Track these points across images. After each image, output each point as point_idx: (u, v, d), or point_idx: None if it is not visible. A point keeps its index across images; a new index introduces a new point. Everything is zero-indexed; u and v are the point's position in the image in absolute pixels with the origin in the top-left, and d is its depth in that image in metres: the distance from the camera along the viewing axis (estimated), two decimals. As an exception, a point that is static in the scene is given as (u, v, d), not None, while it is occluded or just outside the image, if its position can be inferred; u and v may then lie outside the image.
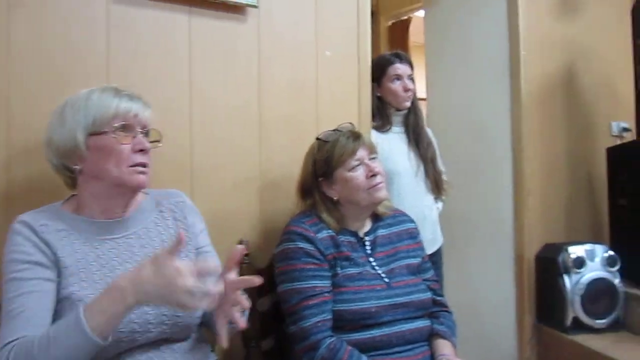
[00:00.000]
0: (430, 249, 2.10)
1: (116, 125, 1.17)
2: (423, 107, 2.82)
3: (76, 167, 1.19)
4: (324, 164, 1.53)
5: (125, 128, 1.18)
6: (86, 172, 1.20)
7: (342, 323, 1.42)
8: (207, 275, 1.02)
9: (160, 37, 1.60)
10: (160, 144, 1.30)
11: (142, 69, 1.56)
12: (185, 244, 1.01)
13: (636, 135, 2.58)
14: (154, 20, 1.59)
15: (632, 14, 2.56)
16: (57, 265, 1.13)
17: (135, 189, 1.24)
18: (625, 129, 2.89)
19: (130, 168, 1.18)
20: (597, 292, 2.33)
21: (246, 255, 1.68)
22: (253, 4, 1.72)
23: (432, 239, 2.17)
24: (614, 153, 2.69)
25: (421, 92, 2.89)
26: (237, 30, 1.74)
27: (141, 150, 1.20)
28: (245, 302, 1.05)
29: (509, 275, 2.65)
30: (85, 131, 1.16)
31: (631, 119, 2.64)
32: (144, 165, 1.21)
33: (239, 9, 1.73)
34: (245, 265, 1.66)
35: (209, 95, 1.68)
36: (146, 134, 1.24)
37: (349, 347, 1.38)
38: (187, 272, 0.98)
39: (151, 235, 1.27)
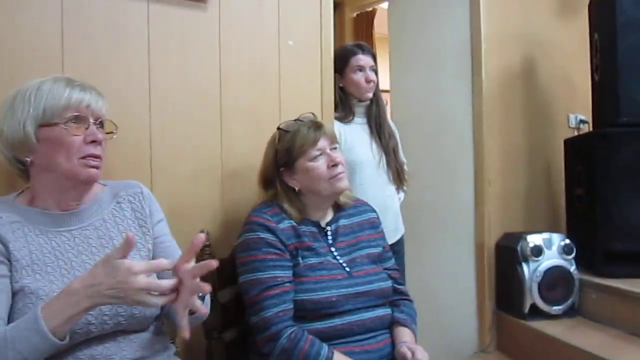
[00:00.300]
0: (392, 239, 2.12)
1: (68, 116, 1.15)
2: (387, 98, 2.85)
3: (27, 159, 1.17)
4: (285, 154, 1.53)
5: (78, 119, 1.16)
6: (38, 165, 1.18)
7: (304, 313, 1.42)
8: (159, 271, 1.01)
9: (117, 24, 1.55)
10: (115, 135, 1.29)
11: (98, 57, 1.52)
12: (134, 244, 0.99)
13: (592, 127, 2.65)
14: (110, 6, 1.54)
15: (589, 9, 2.62)
16: (8, 259, 1.10)
17: (86, 182, 1.22)
18: (582, 121, 2.98)
19: (82, 160, 1.16)
20: (554, 279, 2.41)
21: (207, 246, 1.67)
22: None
23: (394, 229, 2.19)
24: (571, 144, 2.77)
25: (385, 84, 2.92)
26: (197, 18, 1.71)
27: (93, 142, 1.18)
28: (206, 286, 1.03)
29: (470, 264, 2.71)
30: (35, 122, 1.14)
31: (588, 111, 2.72)
32: (95, 156, 1.19)
33: (198, -3, 1.70)
34: (207, 256, 1.65)
35: (168, 84, 1.65)
36: (100, 124, 1.22)
37: (310, 336, 1.38)
38: (139, 270, 0.98)
39: (108, 226, 1.25)
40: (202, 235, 1.04)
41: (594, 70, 2.57)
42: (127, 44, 1.57)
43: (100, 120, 1.22)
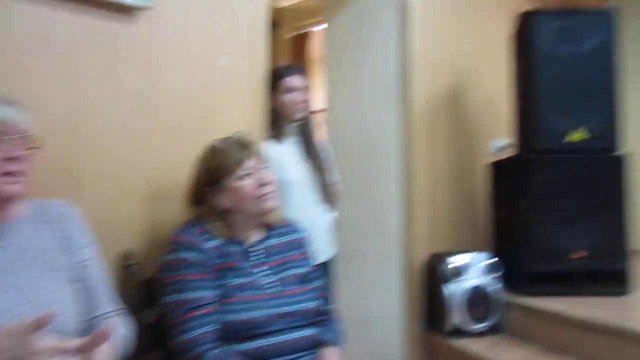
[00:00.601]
0: (322, 258, 2.13)
1: None
2: (322, 118, 2.89)
3: None
4: (214, 173, 1.52)
5: None
6: None
7: (231, 333, 1.41)
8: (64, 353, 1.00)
9: (41, 35, 1.50)
10: (39, 150, 1.25)
11: (19, 69, 1.46)
12: (49, 322, 0.97)
13: (515, 152, 2.79)
14: (33, 16, 1.49)
15: (512, 40, 2.77)
16: None
17: (6, 199, 1.18)
18: (506, 146, 3.12)
19: (1, 177, 1.13)
20: (477, 298, 2.48)
21: (131, 265, 1.62)
22: (144, 6, 1.67)
23: (324, 248, 2.21)
24: (495, 168, 2.89)
25: (320, 104, 2.96)
26: (127, 31, 1.68)
27: (13, 158, 1.15)
28: None
29: (399, 284, 2.76)
30: None
31: (512, 136, 2.85)
32: (15, 173, 1.16)
33: (128, 11, 1.66)
34: (130, 276, 1.60)
35: (95, 99, 1.60)
36: (24, 139, 1.19)
37: (235, 358, 1.37)
38: (43, 351, 0.96)
39: (30, 245, 1.22)
40: (106, 329, 1.03)
41: (516, 97, 2.72)
42: (49, 56, 1.52)
43: (23, 135, 1.19)
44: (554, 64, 2.47)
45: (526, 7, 2.69)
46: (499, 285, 2.53)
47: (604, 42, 2.47)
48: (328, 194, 2.25)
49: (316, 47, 4.20)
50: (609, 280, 2.42)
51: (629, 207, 2.46)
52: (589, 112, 2.46)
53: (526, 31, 2.55)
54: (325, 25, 3.15)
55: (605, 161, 2.47)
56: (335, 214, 2.34)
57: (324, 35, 3.18)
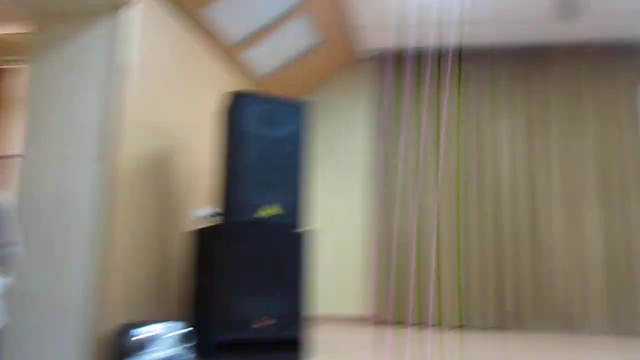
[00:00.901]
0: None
1: None
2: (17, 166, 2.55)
3: None
4: None
5: None
6: None
7: None
8: None
9: None
10: None
11: None
12: None
13: (216, 222, 2.88)
14: None
15: (220, 115, 2.91)
16: None
17: None
18: (209, 215, 3.21)
19: None
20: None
21: None
22: None
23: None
24: (196, 236, 2.94)
25: (16, 149, 2.63)
26: None
27: None
28: None
29: (82, 359, 2.51)
30: None
31: (214, 206, 2.94)
32: None
33: None
34: None
35: None
36: None
37: None
38: None
39: None
40: None
41: (220, 170, 2.83)
42: None
43: None
44: (253, 143, 2.68)
45: (237, 87, 2.89)
46: (192, 356, 2.51)
47: (295, 129, 2.81)
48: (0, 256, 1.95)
49: (17, 86, 3.75)
50: (288, 346, 2.63)
51: (308, 278, 2.74)
52: (281, 190, 2.72)
53: (232, 110, 2.73)
54: (28, 65, 2.86)
55: (289, 236, 2.74)
56: (8, 279, 2.04)
57: (27, 76, 2.87)
